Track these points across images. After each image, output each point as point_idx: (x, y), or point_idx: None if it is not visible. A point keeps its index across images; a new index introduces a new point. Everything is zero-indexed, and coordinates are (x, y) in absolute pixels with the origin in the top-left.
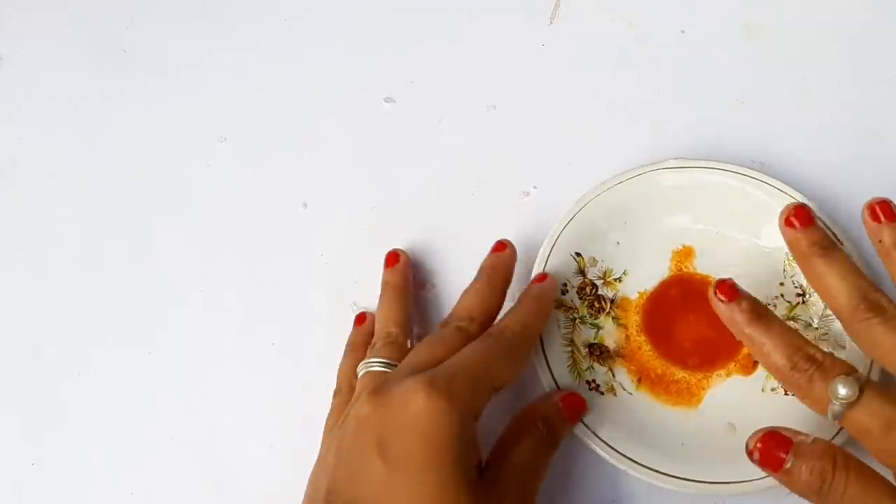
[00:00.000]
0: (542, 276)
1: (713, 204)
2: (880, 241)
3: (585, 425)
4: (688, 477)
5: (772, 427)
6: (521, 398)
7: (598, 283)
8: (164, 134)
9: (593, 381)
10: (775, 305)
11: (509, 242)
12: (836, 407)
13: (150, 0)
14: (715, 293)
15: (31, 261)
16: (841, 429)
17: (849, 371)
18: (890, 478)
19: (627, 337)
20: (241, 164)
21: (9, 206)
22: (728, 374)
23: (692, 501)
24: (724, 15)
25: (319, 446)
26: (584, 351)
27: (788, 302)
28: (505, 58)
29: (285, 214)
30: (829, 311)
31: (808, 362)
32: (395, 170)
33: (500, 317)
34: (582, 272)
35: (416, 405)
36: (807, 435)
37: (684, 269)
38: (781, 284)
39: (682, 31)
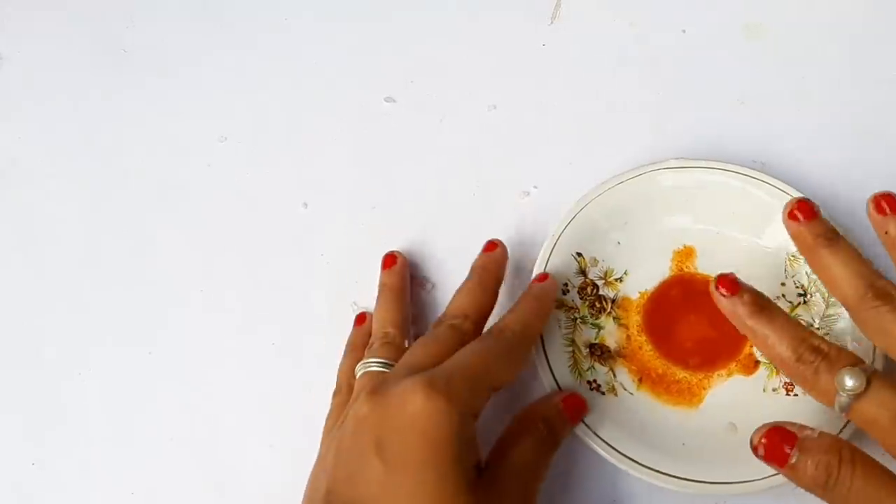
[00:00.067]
0: (543, 276)
1: (714, 204)
2: (886, 233)
3: (586, 425)
4: (688, 477)
5: (776, 422)
6: (521, 398)
7: (599, 283)
8: (164, 134)
9: (594, 381)
10: None
11: (500, 242)
12: (843, 398)
13: (150, 0)
14: (716, 287)
15: (31, 261)
16: (847, 423)
17: (855, 362)
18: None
19: (628, 337)
20: (241, 164)
21: (9, 206)
22: (729, 374)
23: (693, 501)
24: (725, 15)
25: (319, 446)
26: (585, 351)
27: (790, 302)
28: (505, 58)
29: (285, 214)
30: (830, 312)
31: (813, 354)
32: (395, 170)
33: (500, 316)
34: (583, 272)
35: (415, 405)
36: (812, 429)
37: (685, 269)
38: (783, 284)
39: (683, 31)
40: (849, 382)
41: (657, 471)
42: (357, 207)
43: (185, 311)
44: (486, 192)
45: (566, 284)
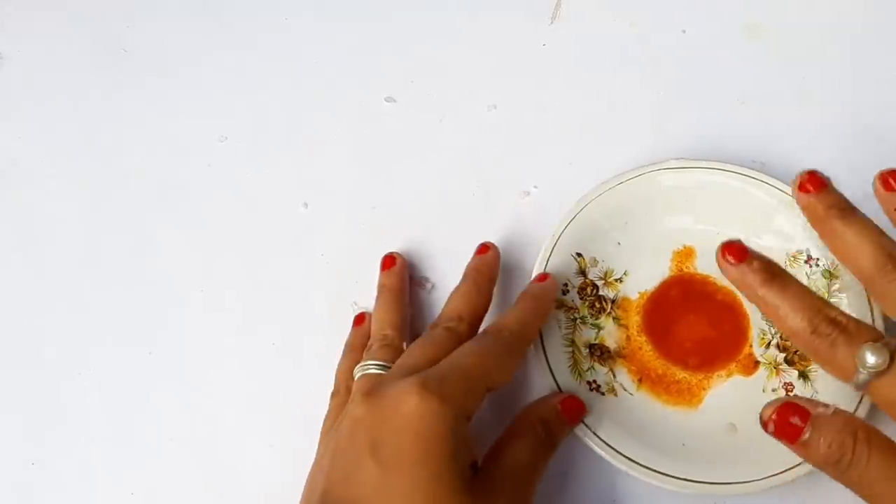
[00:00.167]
0: (543, 276)
1: (714, 204)
2: (895, 210)
3: (586, 425)
4: (688, 477)
5: (789, 396)
6: (520, 399)
7: (599, 283)
8: (164, 134)
9: (594, 381)
10: None
11: (492, 244)
12: (862, 376)
13: (150, 0)
14: (723, 255)
15: (31, 261)
16: (860, 402)
17: (877, 337)
18: None
19: (628, 337)
20: (241, 164)
21: (9, 206)
22: (729, 375)
23: (692, 502)
24: (725, 15)
25: (317, 447)
26: (585, 351)
27: None
28: (505, 58)
29: (285, 214)
30: None
31: (830, 326)
32: (395, 170)
33: (497, 315)
34: (583, 272)
35: (409, 406)
36: (826, 406)
37: (685, 270)
38: None
39: (684, 31)
40: (870, 359)
41: (657, 471)
42: (357, 207)
43: (185, 311)
44: (486, 192)
45: (566, 284)
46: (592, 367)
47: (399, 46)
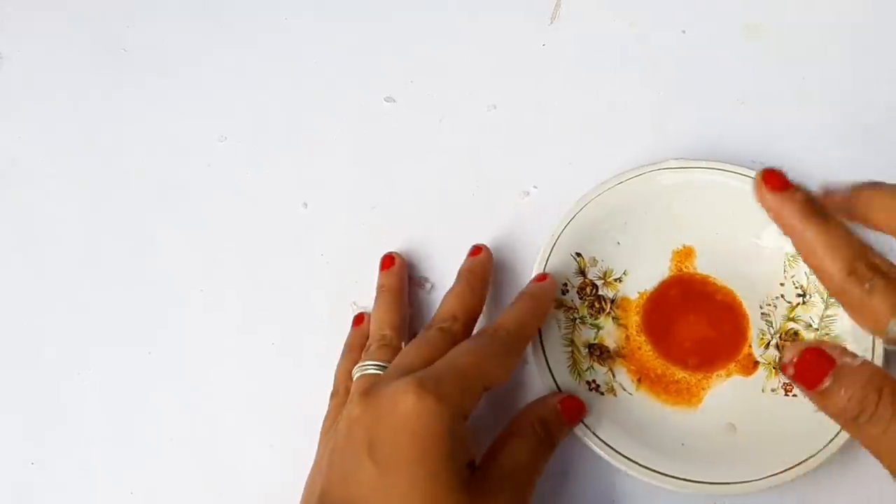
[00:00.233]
0: (542, 276)
1: (713, 204)
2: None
3: (585, 425)
4: (687, 477)
5: (816, 341)
6: (520, 399)
7: (599, 283)
8: (164, 134)
9: (593, 381)
10: (775, 305)
11: (484, 246)
12: None
13: (150, 0)
14: (763, 182)
15: (31, 261)
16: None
17: None
18: None
19: (627, 337)
20: (241, 164)
21: (9, 206)
22: (728, 375)
23: (692, 502)
24: (725, 15)
25: (317, 448)
26: (585, 351)
27: (789, 302)
28: (505, 58)
29: (285, 214)
30: (829, 312)
31: (871, 270)
32: (395, 170)
33: (491, 315)
34: (582, 272)
35: (405, 405)
36: (854, 356)
37: (684, 270)
38: (782, 285)
39: (683, 31)
40: None
41: (656, 471)
42: (357, 207)
43: (185, 311)
44: (486, 192)
45: (565, 284)
46: (592, 366)
47: (399, 46)
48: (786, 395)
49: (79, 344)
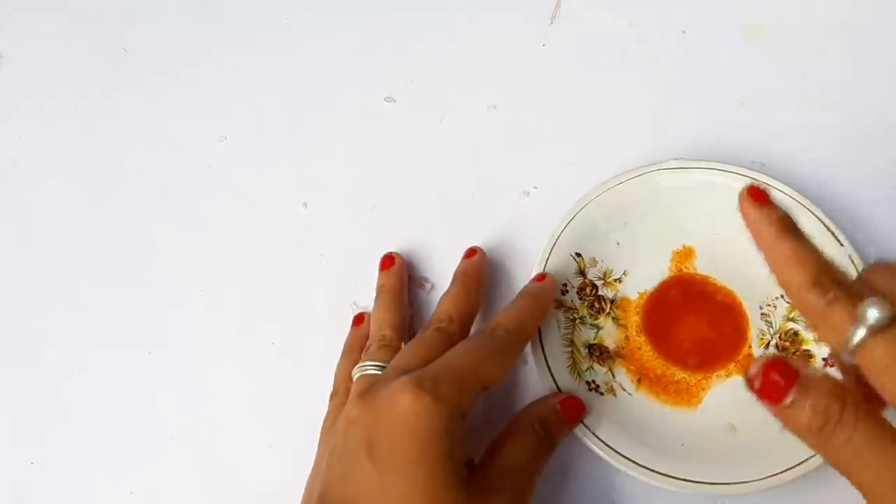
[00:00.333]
0: (541, 276)
1: (713, 204)
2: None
3: (585, 425)
4: (687, 477)
5: (778, 355)
6: (520, 399)
7: (599, 283)
8: (164, 134)
9: (593, 381)
10: (775, 306)
11: (479, 248)
12: (857, 335)
13: (150, 0)
14: (747, 196)
15: (31, 261)
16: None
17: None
18: None
19: (627, 337)
20: (241, 164)
21: (9, 206)
22: (728, 375)
23: (691, 502)
24: (725, 15)
25: (317, 449)
26: (584, 351)
27: (788, 303)
28: (505, 58)
29: (285, 214)
30: None
31: (833, 283)
32: (395, 170)
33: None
34: (582, 272)
35: (403, 405)
36: (816, 369)
37: (684, 270)
38: None
39: (683, 32)
40: (873, 313)
41: (655, 471)
42: (357, 207)
43: (185, 311)
44: (486, 192)
45: (565, 285)
46: (591, 367)
47: (399, 46)
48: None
49: (79, 344)
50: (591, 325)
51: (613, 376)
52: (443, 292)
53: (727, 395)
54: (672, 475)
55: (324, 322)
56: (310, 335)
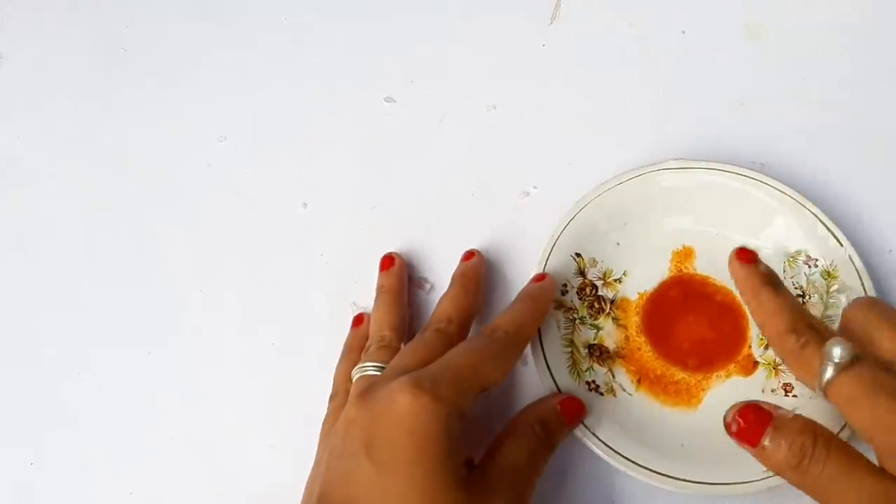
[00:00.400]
0: (541, 276)
1: (713, 205)
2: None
3: (585, 426)
4: (687, 478)
5: (751, 400)
6: (520, 400)
7: (598, 283)
8: (164, 134)
9: (593, 381)
10: None
11: (477, 251)
12: (826, 372)
13: (150, 0)
14: (736, 256)
15: (31, 261)
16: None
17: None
18: (871, 457)
19: (627, 338)
20: (241, 164)
21: (9, 206)
22: (728, 375)
23: (691, 502)
24: (725, 15)
25: (316, 450)
26: (584, 352)
27: None
28: (505, 58)
29: (285, 214)
30: (828, 313)
31: (807, 329)
32: (395, 170)
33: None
34: (582, 273)
35: (401, 405)
36: (787, 410)
37: (684, 270)
38: None
39: (683, 32)
40: (836, 351)
41: (655, 471)
42: (357, 207)
43: (185, 311)
44: (486, 192)
45: (565, 285)
46: (591, 367)
47: (399, 46)
48: (785, 395)
49: (79, 344)
50: (590, 325)
51: (613, 376)
52: (443, 292)
53: (727, 395)
54: (672, 475)
55: (324, 322)
56: (310, 335)
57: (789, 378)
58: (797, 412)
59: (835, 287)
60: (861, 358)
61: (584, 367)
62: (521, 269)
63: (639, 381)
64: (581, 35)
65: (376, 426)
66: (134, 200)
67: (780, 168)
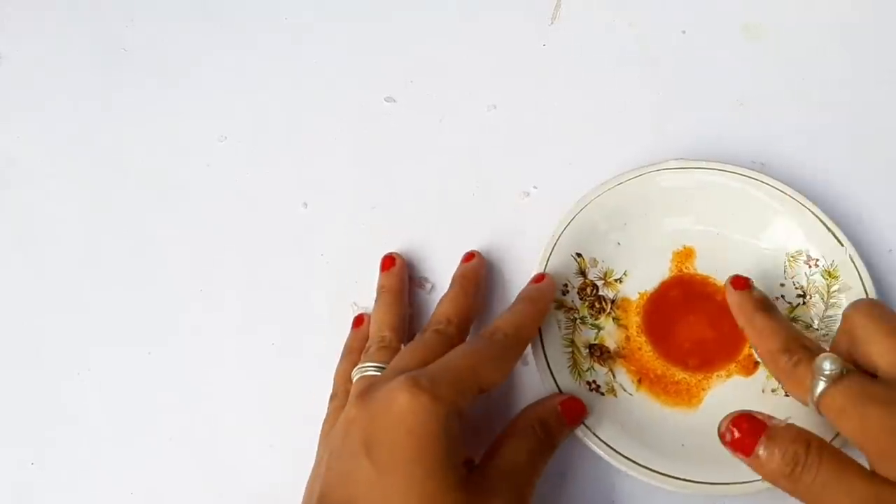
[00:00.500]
0: (540, 277)
1: (714, 205)
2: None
3: (585, 426)
4: (687, 477)
5: (745, 410)
6: (521, 400)
7: (599, 283)
8: (164, 134)
9: (593, 381)
10: None
11: (477, 252)
12: (818, 386)
13: (150, 0)
14: (731, 283)
15: (31, 261)
16: (837, 435)
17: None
18: (864, 462)
19: (628, 338)
20: (241, 164)
21: (9, 206)
22: (728, 375)
23: (691, 502)
24: (725, 15)
25: (316, 450)
26: (585, 352)
27: (789, 303)
28: (505, 58)
29: (285, 214)
30: (829, 313)
31: (799, 348)
32: (395, 170)
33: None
34: (582, 273)
35: (400, 404)
36: (780, 420)
37: (685, 270)
38: (782, 285)
39: (683, 32)
40: (826, 365)
41: (656, 471)
42: (357, 207)
43: (185, 311)
44: (486, 192)
45: (566, 285)
46: (592, 367)
47: (399, 46)
48: (785, 395)
49: (79, 344)
50: (591, 325)
51: (614, 376)
52: (443, 292)
53: (727, 395)
54: (672, 475)
55: (324, 322)
56: (310, 335)
57: None
58: (790, 421)
59: (835, 287)
60: (850, 371)
61: (585, 367)
62: (522, 270)
63: (639, 381)
64: (581, 35)
65: (375, 426)
66: (134, 200)
67: (780, 168)
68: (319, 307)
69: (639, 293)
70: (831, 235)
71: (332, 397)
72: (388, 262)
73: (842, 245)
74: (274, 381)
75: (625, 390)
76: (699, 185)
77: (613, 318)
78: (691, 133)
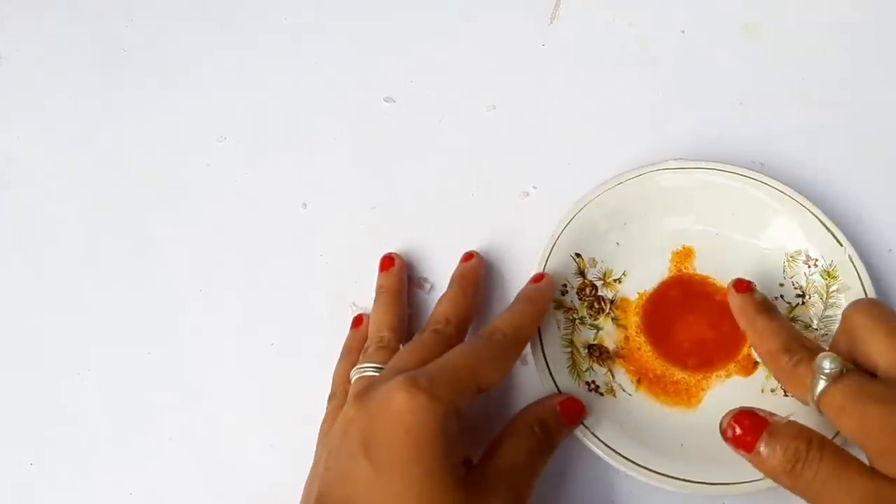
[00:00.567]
0: (539, 277)
1: (713, 205)
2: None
3: (585, 426)
4: (686, 478)
5: (747, 407)
6: (520, 400)
7: (598, 283)
8: (164, 134)
9: (593, 381)
10: None
11: (476, 252)
12: (818, 385)
13: (150, 0)
14: (733, 286)
15: (31, 261)
16: (838, 433)
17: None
18: (864, 459)
19: (627, 338)
20: (241, 164)
21: (9, 206)
22: (727, 375)
23: (691, 502)
24: (724, 15)
25: (315, 451)
26: (584, 352)
27: (788, 303)
28: (505, 58)
29: (285, 214)
30: (828, 313)
31: (800, 348)
32: (395, 170)
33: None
34: (582, 273)
35: (398, 403)
36: (782, 416)
37: (684, 270)
38: (781, 285)
39: (683, 31)
40: (826, 364)
41: (655, 471)
42: (357, 207)
43: (185, 311)
44: (485, 192)
45: (565, 285)
46: (591, 367)
47: (399, 46)
48: (785, 395)
49: (79, 344)
50: (590, 325)
51: (613, 377)
52: (442, 292)
53: (727, 395)
54: (672, 475)
55: (324, 322)
56: (310, 335)
57: None
58: (792, 417)
59: (835, 287)
60: (850, 370)
61: (584, 367)
62: (521, 270)
63: (638, 381)
64: (581, 35)
65: (374, 425)
66: (134, 200)
67: (780, 168)
68: (319, 307)
69: (638, 293)
70: (831, 235)
71: (331, 397)
72: (388, 262)
73: (841, 245)
74: (274, 381)
75: (624, 390)
76: (699, 184)
77: (612, 319)
78: (691, 133)
